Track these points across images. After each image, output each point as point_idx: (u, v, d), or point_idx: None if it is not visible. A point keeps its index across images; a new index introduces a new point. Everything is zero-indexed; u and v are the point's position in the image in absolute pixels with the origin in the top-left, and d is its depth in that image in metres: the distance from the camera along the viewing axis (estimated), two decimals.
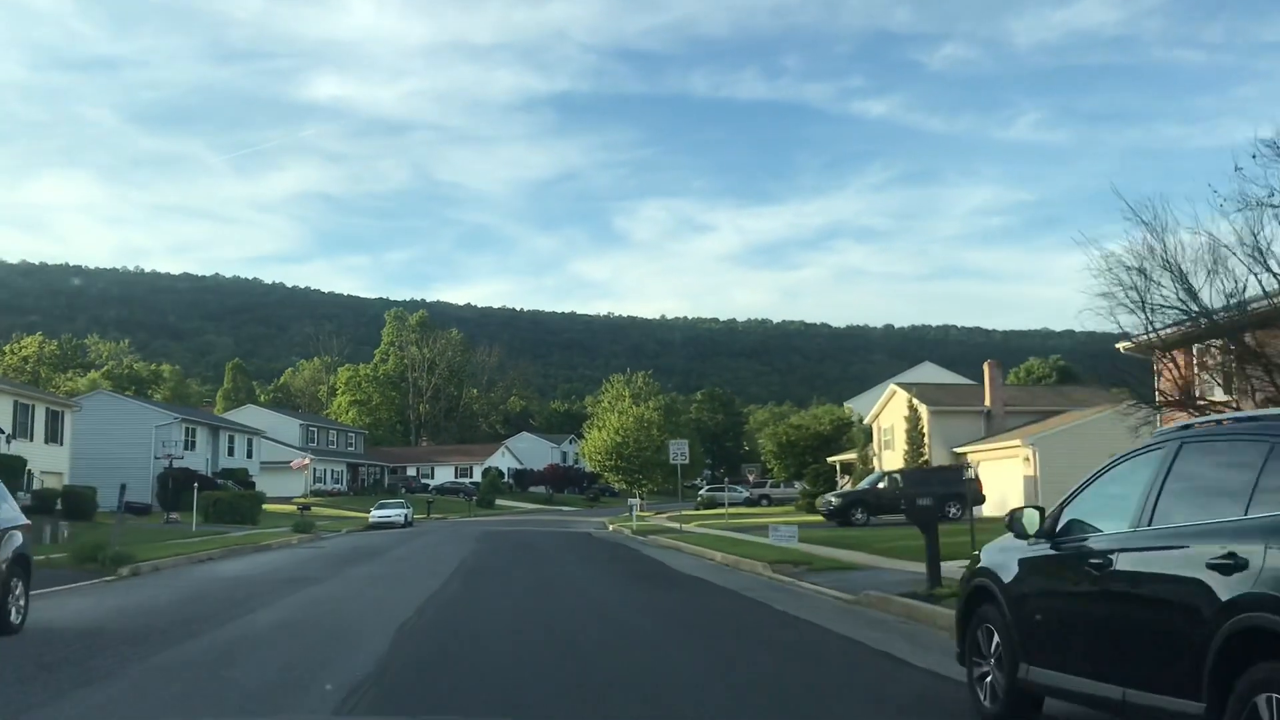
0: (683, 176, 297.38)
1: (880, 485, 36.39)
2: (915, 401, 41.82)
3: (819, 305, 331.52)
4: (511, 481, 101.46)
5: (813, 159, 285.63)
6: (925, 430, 41.52)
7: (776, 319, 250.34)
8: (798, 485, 69.52)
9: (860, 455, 46.90)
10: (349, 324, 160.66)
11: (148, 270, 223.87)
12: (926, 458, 41.18)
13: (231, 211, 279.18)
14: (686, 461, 30.15)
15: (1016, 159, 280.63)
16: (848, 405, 61.29)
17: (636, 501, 41.82)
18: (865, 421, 48.05)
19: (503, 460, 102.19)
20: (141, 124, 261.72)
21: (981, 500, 37.80)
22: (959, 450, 41.24)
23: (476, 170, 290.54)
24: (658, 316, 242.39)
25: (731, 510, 62.04)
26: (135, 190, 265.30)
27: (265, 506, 63.95)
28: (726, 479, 72.53)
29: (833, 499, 36.32)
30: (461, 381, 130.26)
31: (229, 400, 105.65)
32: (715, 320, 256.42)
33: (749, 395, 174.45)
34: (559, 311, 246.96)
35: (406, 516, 51.92)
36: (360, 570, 20.71)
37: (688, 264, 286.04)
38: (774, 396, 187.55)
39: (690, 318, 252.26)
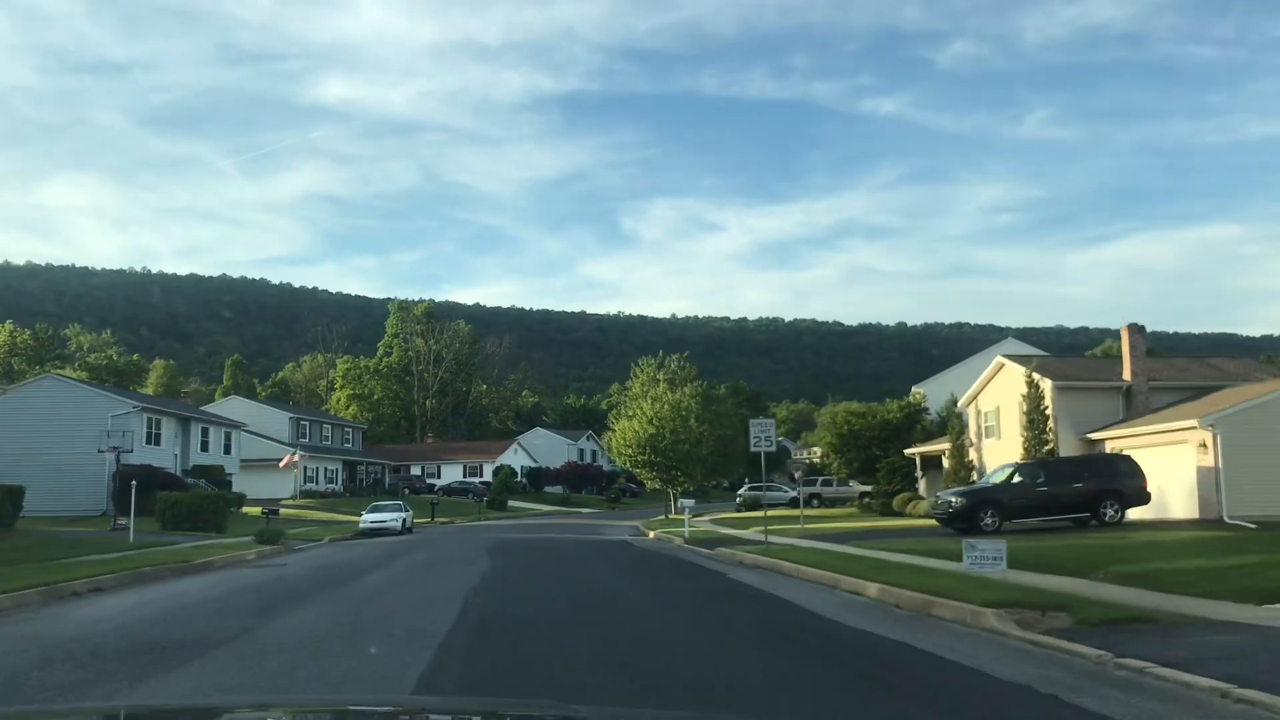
0: (691, 176, 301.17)
1: (1015, 479, 27.82)
2: (1036, 376, 33.25)
3: (829, 304, 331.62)
4: (525, 481, 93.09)
5: (822, 158, 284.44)
6: (1049, 411, 32.97)
7: (788, 317, 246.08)
8: (853, 483, 61.15)
9: (954, 446, 38.34)
10: (356, 324, 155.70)
11: (155, 271, 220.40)
12: (1051, 445, 32.65)
13: (240, 214, 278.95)
14: (772, 449, 21.83)
15: (1026, 156, 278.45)
16: (917, 390, 52.68)
17: (689, 503, 33.29)
18: (960, 405, 39.50)
19: (515, 458, 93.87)
20: (151, 127, 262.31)
21: (1145, 499, 29.43)
22: (1094, 436, 32.71)
23: (485, 171, 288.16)
24: (668, 315, 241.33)
25: (784, 513, 53.60)
26: (144, 193, 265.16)
27: (246, 510, 56.05)
28: (772, 476, 63.93)
29: (954, 499, 27.78)
30: (470, 375, 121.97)
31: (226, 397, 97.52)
32: (726, 319, 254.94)
33: (763, 394, 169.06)
34: (568, 310, 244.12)
35: (405, 521, 43.67)
36: (284, 626, 12.12)
37: (697, 264, 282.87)
38: (788, 395, 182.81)
39: (701, 316, 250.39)
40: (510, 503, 76.33)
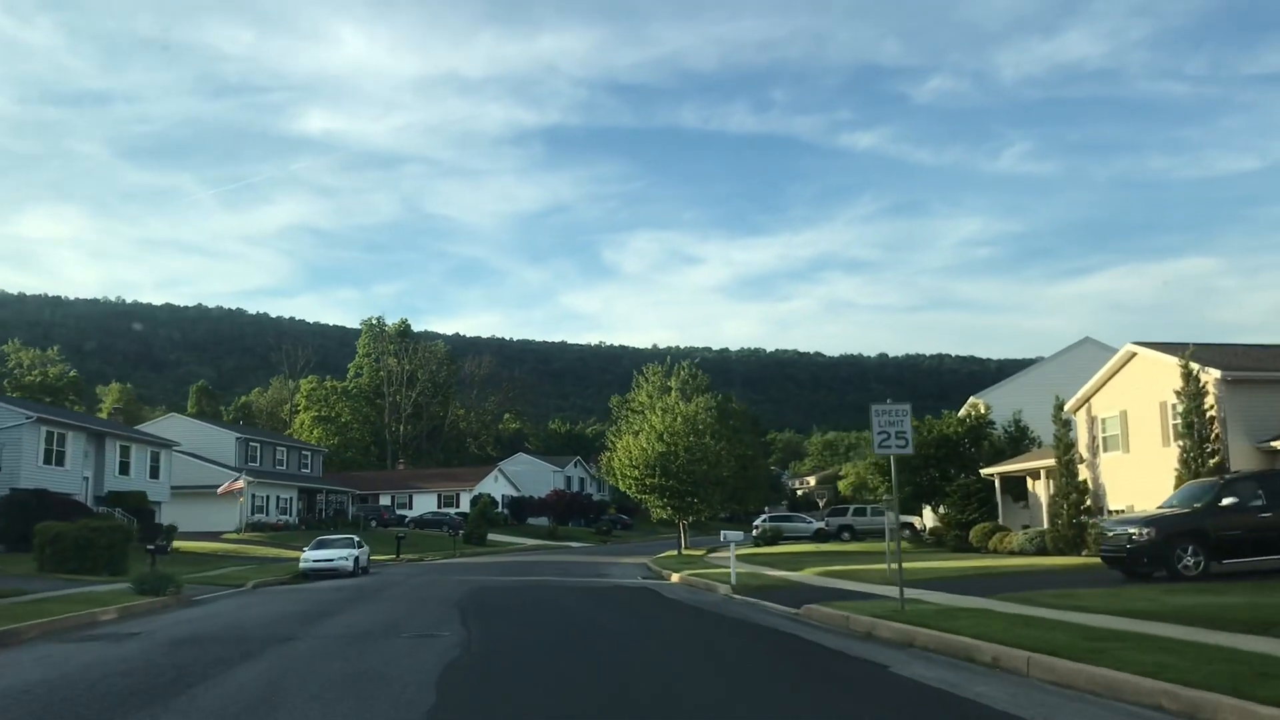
0: (672, 209, 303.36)
1: (1224, 500, 19.33)
2: (1195, 367, 24.89)
3: (808, 336, 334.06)
4: (507, 512, 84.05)
5: (802, 191, 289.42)
6: (1214, 412, 24.61)
7: (769, 348, 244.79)
8: (889, 514, 52.51)
9: (1061, 462, 29.89)
10: (334, 354, 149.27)
11: (129, 301, 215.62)
12: (1218, 458, 24.26)
13: (220, 246, 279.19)
14: (907, 449, 13.21)
15: (1004, 190, 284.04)
16: (975, 401, 44.31)
17: (736, 536, 24.63)
18: (1067, 410, 31.03)
19: (496, 486, 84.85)
20: (131, 158, 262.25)
21: None
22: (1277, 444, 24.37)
23: (466, 203, 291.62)
24: (649, 346, 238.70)
25: (813, 548, 44.94)
26: (124, 224, 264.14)
27: (179, 545, 46.98)
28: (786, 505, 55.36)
29: (1136, 530, 19.26)
30: (447, 399, 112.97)
31: None
32: (708, 349, 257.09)
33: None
34: (549, 340, 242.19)
35: (358, 560, 34.85)
36: None
37: (677, 296, 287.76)
38: (771, 425, 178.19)
39: (682, 347, 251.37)
40: (490, 536, 67.40)
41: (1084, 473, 30.35)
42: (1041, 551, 30.75)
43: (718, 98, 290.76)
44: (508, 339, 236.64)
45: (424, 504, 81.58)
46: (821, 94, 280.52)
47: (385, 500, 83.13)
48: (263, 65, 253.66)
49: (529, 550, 60.96)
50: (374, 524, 73.21)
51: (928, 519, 51.60)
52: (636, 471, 42.04)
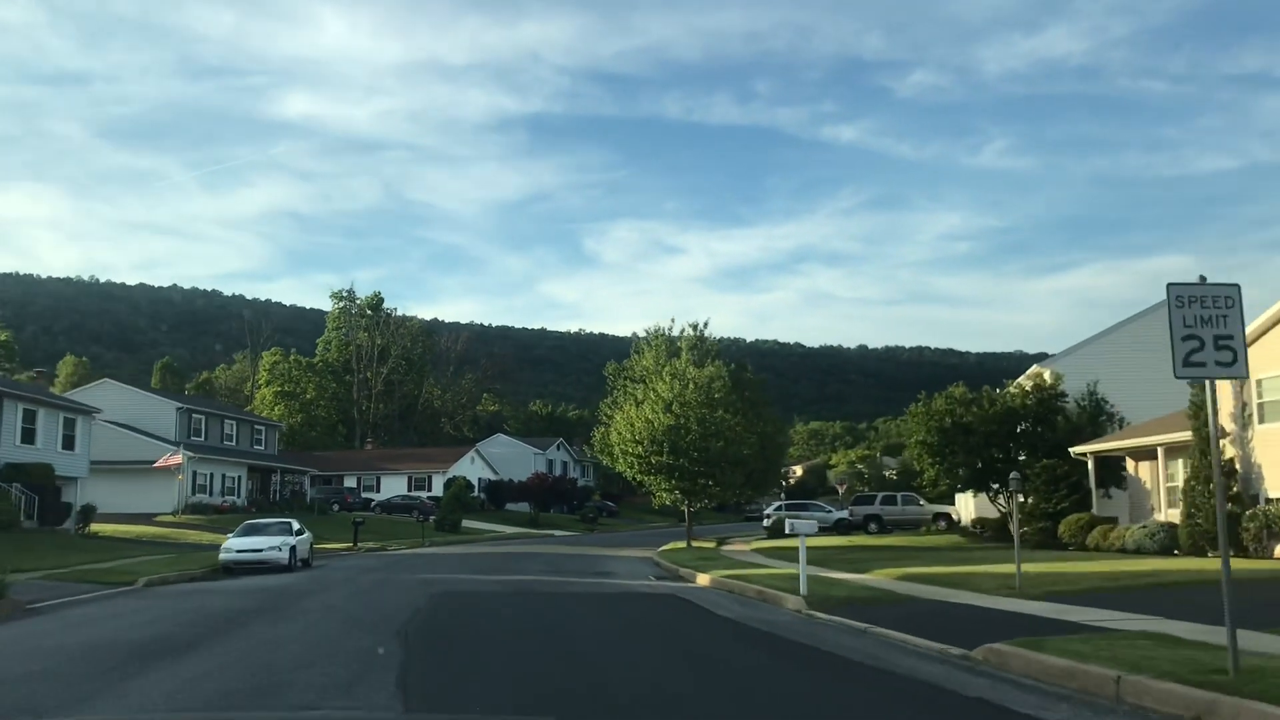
0: (654, 199, 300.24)
1: None
2: None
3: (788, 327, 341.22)
4: (484, 496, 76.94)
5: (783, 183, 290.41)
6: None
7: (749, 338, 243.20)
8: (923, 501, 45.99)
9: (1199, 437, 23.15)
10: (310, 338, 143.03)
11: (103, 280, 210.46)
12: None
13: (199, 229, 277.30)
14: (1241, 372, 5.97)
15: (984, 185, 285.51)
16: (1041, 369, 37.59)
17: (807, 527, 17.53)
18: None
19: (472, 469, 77.74)
20: (110, 139, 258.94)
21: None
22: None
23: (448, 190, 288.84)
24: (629, 334, 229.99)
25: (848, 541, 38.20)
26: (102, 205, 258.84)
27: (98, 529, 39.88)
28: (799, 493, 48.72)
29: None
30: (421, 376, 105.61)
31: None
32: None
33: None
34: (529, 327, 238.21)
35: (295, 551, 27.78)
36: None
37: (658, 285, 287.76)
38: None
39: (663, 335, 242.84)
40: (465, 522, 60.41)
41: (1229, 450, 23.65)
42: (1167, 550, 24.14)
43: (701, 88, 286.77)
44: (487, 325, 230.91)
45: (393, 487, 74.36)
46: (804, 86, 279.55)
47: (350, 482, 75.84)
48: (243, 48, 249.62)
49: (508, 539, 54.04)
50: (336, 508, 66.10)
51: (967, 508, 45.00)
52: (639, 448, 35.14)
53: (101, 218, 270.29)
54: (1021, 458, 33.52)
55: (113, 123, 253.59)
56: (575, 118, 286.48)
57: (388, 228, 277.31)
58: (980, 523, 37.39)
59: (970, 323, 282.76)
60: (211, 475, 53.91)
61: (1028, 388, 35.88)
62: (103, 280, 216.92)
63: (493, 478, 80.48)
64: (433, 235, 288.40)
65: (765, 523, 48.56)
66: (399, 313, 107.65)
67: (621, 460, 36.62)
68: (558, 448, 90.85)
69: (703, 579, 22.15)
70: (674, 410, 34.71)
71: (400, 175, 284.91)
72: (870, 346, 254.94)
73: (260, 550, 26.45)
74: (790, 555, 30.74)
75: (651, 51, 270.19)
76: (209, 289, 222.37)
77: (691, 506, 37.17)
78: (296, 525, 29.71)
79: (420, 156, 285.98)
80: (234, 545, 26.83)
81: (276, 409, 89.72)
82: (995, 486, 33.82)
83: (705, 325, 41.96)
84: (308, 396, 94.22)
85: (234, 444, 59.64)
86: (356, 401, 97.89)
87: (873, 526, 44.95)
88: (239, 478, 56.76)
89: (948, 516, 45.09)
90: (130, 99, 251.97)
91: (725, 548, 37.74)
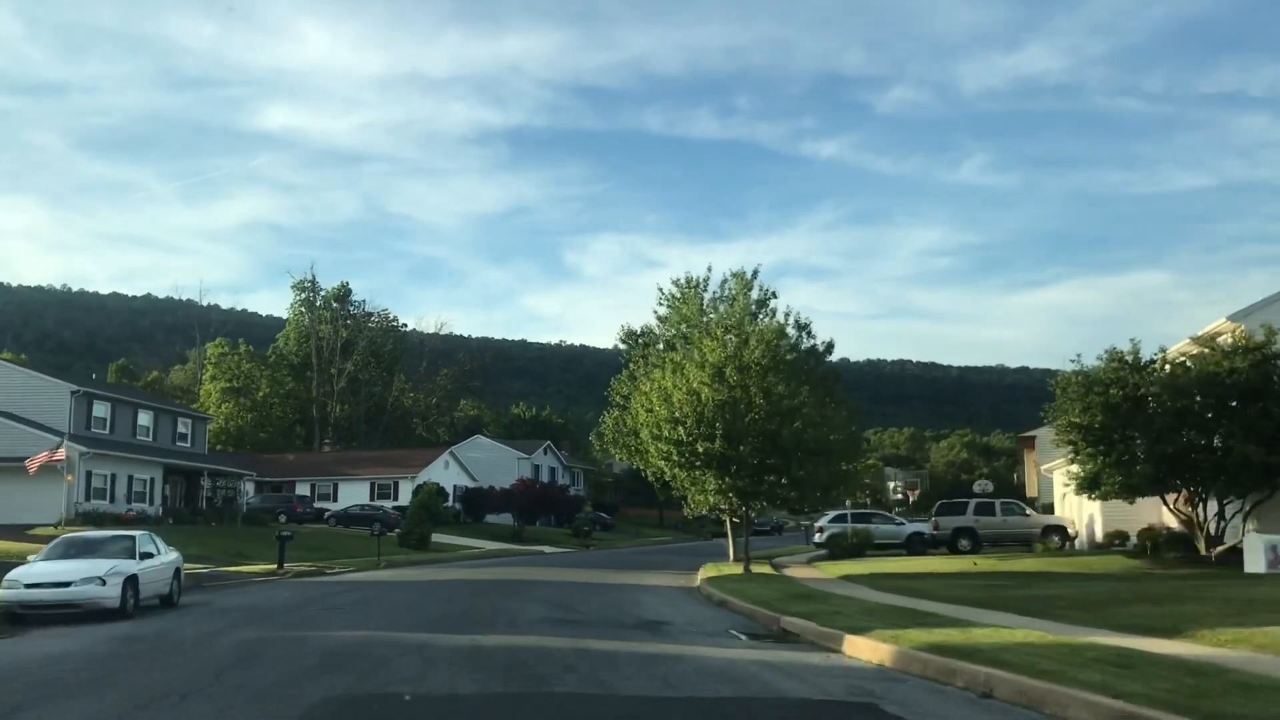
0: (635, 212, 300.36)
1: None
2: None
3: None
4: (459, 506, 66.12)
5: (764, 197, 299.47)
6: None
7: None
8: (1031, 512, 35.52)
9: None
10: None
11: (75, 290, 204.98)
12: None
13: (179, 240, 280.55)
14: None
15: (963, 201, 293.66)
16: (1236, 323, 27.10)
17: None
18: None
19: (446, 474, 66.88)
20: (89, 150, 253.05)
21: None
22: None
23: (428, 203, 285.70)
24: (610, 346, 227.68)
25: (941, 564, 27.77)
26: (81, 217, 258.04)
27: None
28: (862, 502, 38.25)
29: None
30: (391, 373, 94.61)
31: None
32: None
33: None
34: (509, 339, 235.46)
35: (131, 586, 16.77)
36: None
37: (639, 299, 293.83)
38: None
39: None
40: (436, 537, 49.66)
41: None
42: None
43: (682, 103, 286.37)
44: (467, 336, 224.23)
45: (353, 494, 63.41)
46: (785, 102, 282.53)
47: (304, 489, 64.83)
48: (224, 59, 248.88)
49: (488, 559, 43.33)
50: (283, 518, 55.19)
51: (1087, 517, 34.58)
52: (679, 431, 24.38)
53: (80, 229, 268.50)
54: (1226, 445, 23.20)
55: (92, 133, 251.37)
56: (556, 131, 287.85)
57: (368, 240, 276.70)
58: (1150, 536, 26.93)
59: (951, 337, 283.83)
60: (113, 477, 42.82)
61: (1222, 348, 25.43)
62: (75, 289, 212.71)
63: (470, 485, 69.58)
64: (413, 248, 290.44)
65: (817, 537, 37.99)
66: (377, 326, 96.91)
67: (652, 450, 25.81)
68: (545, 451, 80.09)
69: (865, 648, 11.53)
70: (728, 378, 24.13)
71: (380, 188, 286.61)
72: (852, 360, 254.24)
73: (69, 585, 15.63)
74: (908, 587, 20.29)
75: (633, 65, 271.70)
76: (185, 299, 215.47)
77: (747, 515, 26.46)
78: (150, 542, 18.70)
79: (401, 169, 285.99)
80: (27, 575, 15.97)
81: (223, 407, 78.64)
82: (1197, 485, 23.42)
83: (756, 274, 30.90)
84: (260, 394, 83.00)
85: (150, 440, 48.48)
86: (316, 399, 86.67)
87: (964, 543, 34.43)
88: (152, 480, 45.64)
89: (1061, 530, 34.68)
90: (110, 110, 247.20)
91: (788, 572, 27.22)
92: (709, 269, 31.28)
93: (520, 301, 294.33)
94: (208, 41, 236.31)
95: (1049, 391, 27.26)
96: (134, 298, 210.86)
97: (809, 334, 29.19)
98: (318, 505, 61.41)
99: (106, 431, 44.90)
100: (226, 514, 48.47)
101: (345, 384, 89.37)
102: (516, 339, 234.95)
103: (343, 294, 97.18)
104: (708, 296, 30.34)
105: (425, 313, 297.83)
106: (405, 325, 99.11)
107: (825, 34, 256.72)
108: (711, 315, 30.06)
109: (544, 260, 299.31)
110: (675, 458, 24.41)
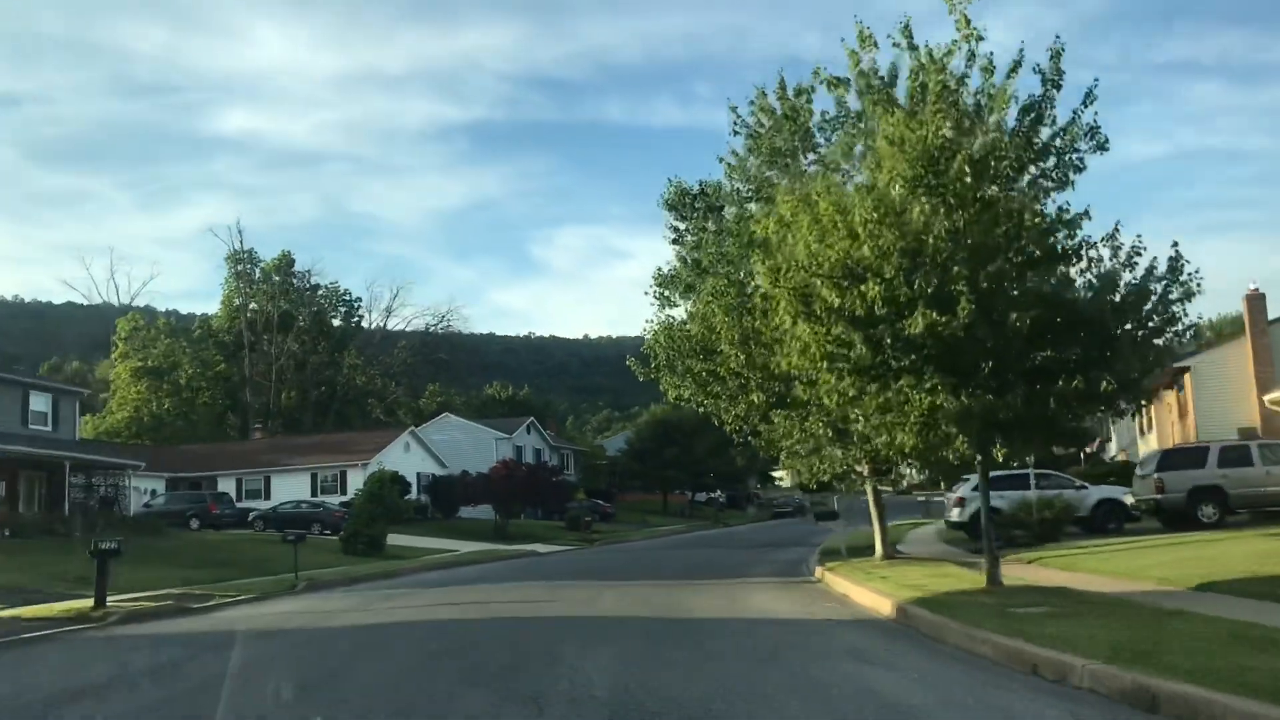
0: (600, 203, 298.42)
1: None
2: None
3: None
4: (425, 498, 53.28)
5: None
6: None
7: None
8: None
9: None
10: None
11: (29, 300, 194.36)
12: None
13: (139, 249, 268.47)
14: None
15: None
16: None
17: None
18: None
19: (407, 460, 53.97)
20: (44, 161, 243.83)
21: None
22: None
23: (390, 201, 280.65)
24: (580, 336, 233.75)
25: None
26: (38, 229, 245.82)
27: None
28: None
29: None
30: (341, 350, 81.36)
31: None
32: (640, 339, 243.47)
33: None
34: (476, 333, 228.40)
35: None
36: None
37: (607, 290, 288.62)
38: None
39: (614, 336, 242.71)
40: (395, 538, 37.10)
41: None
42: None
43: (642, 92, 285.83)
44: (434, 331, 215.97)
45: (290, 489, 50.31)
46: (743, 87, 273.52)
47: (228, 485, 51.67)
48: (177, 64, 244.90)
49: (466, 566, 30.80)
50: (194, 522, 42.49)
51: None
52: (869, 291, 10.98)
53: (36, 241, 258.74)
54: None
55: (46, 144, 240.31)
56: (517, 124, 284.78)
57: (331, 240, 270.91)
58: None
59: None
60: None
61: None
62: (28, 300, 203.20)
63: (439, 472, 56.63)
64: (377, 247, 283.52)
65: (953, 513, 25.47)
66: (340, 324, 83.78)
67: (807, 329, 12.23)
68: (528, 430, 67.21)
69: None
70: (946, 185, 11.30)
71: (342, 188, 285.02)
72: None
73: None
74: None
75: (592, 56, 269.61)
76: (142, 305, 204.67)
77: (992, 455, 13.32)
78: None
79: (361, 168, 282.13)
80: None
81: (134, 389, 64.99)
82: None
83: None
84: (183, 377, 69.30)
85: None
86: (250, 380, 73.02)
87: (1207, 510, 22.12)
88: None
89: None
90: (63, 119, 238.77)
91: (1024, 574, 14.77)
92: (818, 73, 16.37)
93: (487, 298, 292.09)
94: (160, 47, 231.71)
95: None
96: (91, 306, 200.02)
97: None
98: (244, 504, 48.45)
99: None
100: (100, 517, 35.53)
101: (288, 363, 75.98)
102: (484, 332, 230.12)
103: (284, 265, 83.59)
104: (817, 116, 17.75)
105: (393, 311, 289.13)
106: (359, 300, 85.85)
107: (781, 18, 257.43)
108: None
109: (509, 255, 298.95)
110: (857, 352, 11.41)
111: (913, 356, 11.26)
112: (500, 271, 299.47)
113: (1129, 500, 24.28)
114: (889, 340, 11.29)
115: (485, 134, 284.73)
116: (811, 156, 18.03)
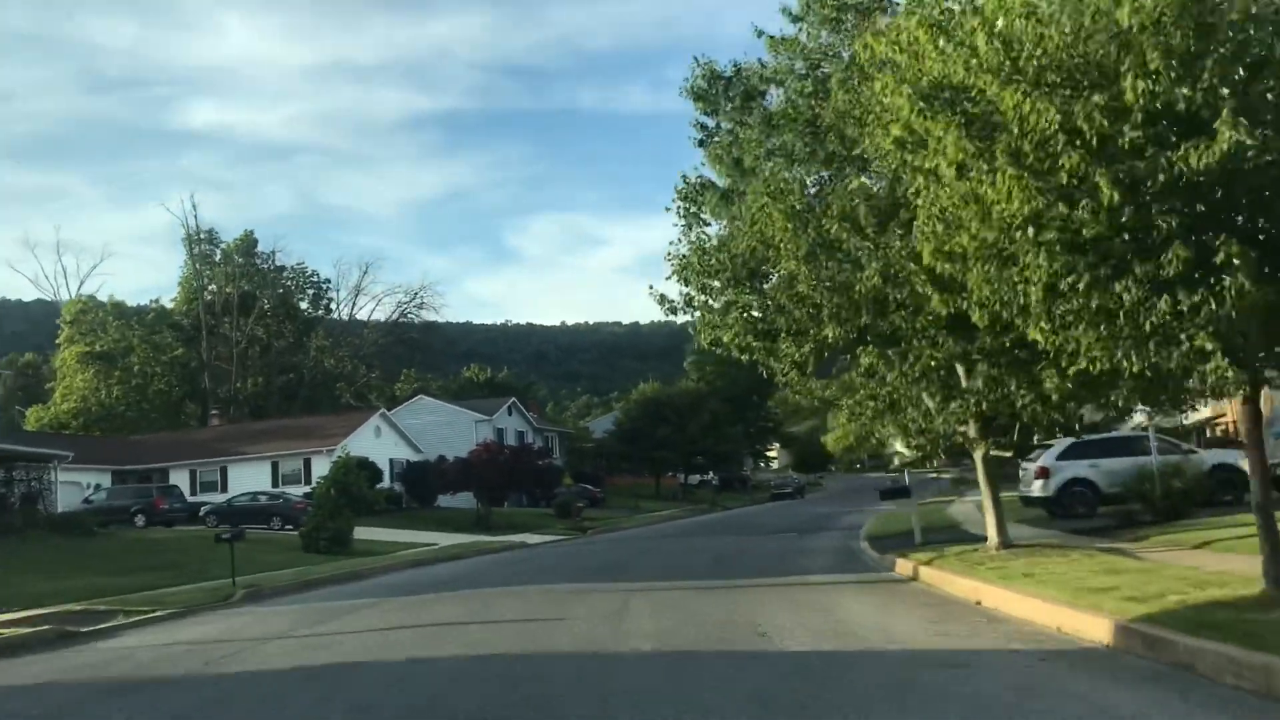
0: (574, 190, 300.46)
1: None
2: None
3: None
4: (399, 486, 48.52)
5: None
6: None
7: (682, 319, 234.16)
8: None
9: None
10: None
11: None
12: None
13: (111, 245, 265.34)
14: None
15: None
16: None
17: None
18: None
19: (379, 445, 49.16)
20: (14, 159, 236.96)
21: None
22: None
23: (364, 192, 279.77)
24: (558, 323, 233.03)
25: None
26: (6, 227, 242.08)
27: None
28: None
29: None
30: (308, 334, 76.26)
31: None
32: (618, 324, 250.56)
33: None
34: (453, 322, 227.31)
35: None
36: None
37: (583, 277, 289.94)
38: None
39: (592, 323, 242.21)
40: (363, 531, 32.39)
41: None
42: None
43: (614, 78, 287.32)
44: (408, 311, 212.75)
45: (249, 479, 45.35)
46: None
47: (180, 478, 46.72)
48: (146, 58, 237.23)
49: (446, 562, 26.32)
50: (140, 519, 37.79)
51: None
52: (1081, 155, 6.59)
53: (4, 239, 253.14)
54: None
55: (14, 141, 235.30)
56: (490, 113, 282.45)
57: (305, 233, 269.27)
58: None
59: None
60: None
61: None
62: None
63: (414, 458, 51.82)
64: (351, 239, 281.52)
65: (1034, 487, 21.01)
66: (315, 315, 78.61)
67: (1007, 176, 7.72)
68: (510, 411, 62.44)
69: None
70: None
71: (315, 179, 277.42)
72: None
73: None
74: None
75: (563, 42, 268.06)
76: (106, 299, 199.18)
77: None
78: None
79: (334, 159, 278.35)
80: None
81: (80, 377, 59.72)
82: None
83: None
84: (135, 363, 63.99)
85: None
86: (209, 365, 67.81)
87: None
88: None
89: None
90: (33, 116, 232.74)
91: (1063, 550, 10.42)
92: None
93: (463, 287, 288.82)
94: (128, 41, 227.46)
95: None
96: (50, 303, 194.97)
97: None
98: (197, 498, 43.64)
99: None
100: (27, 515, 30.85)
101: (250, 347, 70.83)
102: (461, 321, 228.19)
103: (247, 246, 78.27)
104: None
105: (367, 302, 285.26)
106: (327, 282, 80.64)
107: None
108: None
109: (485, 244, 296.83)
110: (1096, 202, 6.79)
111: (1200, 205, 6.62)
112: (476, 261, 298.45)
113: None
114: (1160, 179, 6.57)
115: (458, 123, 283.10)
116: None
